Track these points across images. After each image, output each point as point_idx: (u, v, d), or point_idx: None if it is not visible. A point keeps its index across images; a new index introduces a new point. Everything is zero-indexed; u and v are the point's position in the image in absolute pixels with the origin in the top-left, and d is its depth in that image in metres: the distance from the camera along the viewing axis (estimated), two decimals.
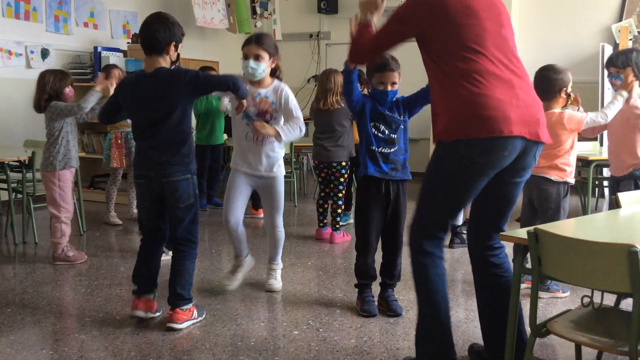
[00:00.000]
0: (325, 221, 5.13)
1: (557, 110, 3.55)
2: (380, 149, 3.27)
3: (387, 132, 3.27)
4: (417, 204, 2.50)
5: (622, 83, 3.72)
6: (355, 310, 3.39)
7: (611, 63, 3.81)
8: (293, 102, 3.45)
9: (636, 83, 3.70)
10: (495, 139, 2.22)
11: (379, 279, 3.43)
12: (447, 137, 2.31)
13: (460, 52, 2.29)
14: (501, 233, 2.39)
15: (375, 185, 3.28)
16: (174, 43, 3.07)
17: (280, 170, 3.56)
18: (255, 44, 3.37)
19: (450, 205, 2.44)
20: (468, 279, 4.02)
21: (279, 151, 3.56)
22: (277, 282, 3.77)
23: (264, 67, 3.38)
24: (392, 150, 3.28)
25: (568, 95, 3.54)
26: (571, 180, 3.57)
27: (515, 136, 2.23)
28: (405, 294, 3.64)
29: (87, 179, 6.70)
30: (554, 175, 3.53)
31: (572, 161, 3.58)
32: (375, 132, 3.27)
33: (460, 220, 4.91)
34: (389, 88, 3.22)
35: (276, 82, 3.48)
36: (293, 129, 3.39)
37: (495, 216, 2.51)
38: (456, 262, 4.47)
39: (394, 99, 3.30)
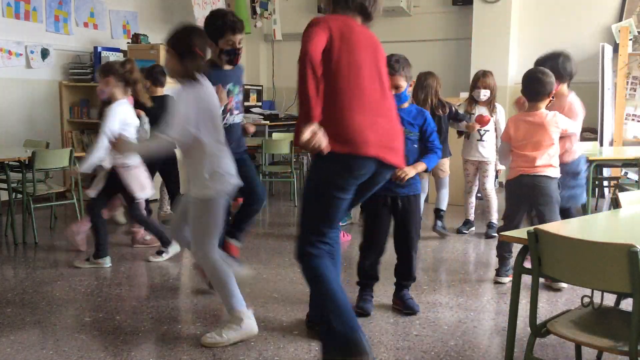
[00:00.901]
0: None
1: (544, 110, 3.65)
2: None
3: None
4: (301, 205, 2.78)
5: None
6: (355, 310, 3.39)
7: (539, 66, 3.92)
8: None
9: (564, 85, 3.94)
10: (354, 157, 2.58)
11: (393, 280, 3.44)
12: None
13: (342, 78, 2.57)
14: (501, 233, 2.49)
15: (381, 197, 3.23)
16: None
17: (197, 192, 2.94)
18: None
19: (324, 209, 2.68)
20: (467, 280, 4.02)
21: (198, 171, 2.94)
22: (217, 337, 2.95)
23: None
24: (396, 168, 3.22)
25: (552, 97, 3.70)
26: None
27: (371, 157, 2.59)
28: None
29: (89, 179, 6.70)
30: (551, 172, 3.64)
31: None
32: None
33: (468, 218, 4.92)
34: (393, 92, 3.12)
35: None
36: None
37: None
38: (456, 262, 4.47)
39: (420, 114, 3.26)
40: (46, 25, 6.70)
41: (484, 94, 4.95)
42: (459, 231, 5.29)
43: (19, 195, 4.97)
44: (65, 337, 3.04)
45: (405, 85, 3.20)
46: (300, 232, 2.71)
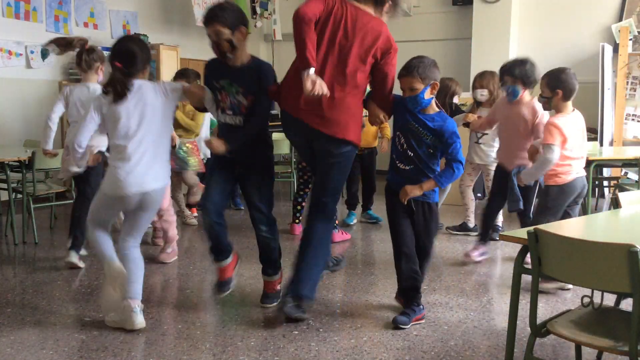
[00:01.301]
0: (300, 217, 5.30)
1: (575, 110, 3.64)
2: (397, 162, 3.17)
3: (405, 146, 3.12)
4: None
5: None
6: (356, 311, 3.39)
7: (507, 72, 3.94)
8: None
9: (527, 92, 3.96)
10: (286, 114, 3.18)
11: (393, 279, 3.36)
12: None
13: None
14: (501, 233, 2.64)
15: (397, 196, 3.15)
16: None
17: None
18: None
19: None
20: (467, 280, 4.02)
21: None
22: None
23: None
24: (408, 168, 3.13)
25: None
26: None
27: (297, 118, 3.09)
28: None
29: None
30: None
31: None
32: (396, 141, 3.17)
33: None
34: (407, 94, 3.07)
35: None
36: None
37: (316, 191, 3.27)
38: (456, 262, 4.47)
39: (441, 121, 3.09)
40: (46, 25, 6.70)
41: (481, 94, 4.92)
42: (447, 228, 5.26)
43: (19, 195, 4.97)
44: (65, 337, 3.04)
45: (422, 88, 3.03)
46: None
